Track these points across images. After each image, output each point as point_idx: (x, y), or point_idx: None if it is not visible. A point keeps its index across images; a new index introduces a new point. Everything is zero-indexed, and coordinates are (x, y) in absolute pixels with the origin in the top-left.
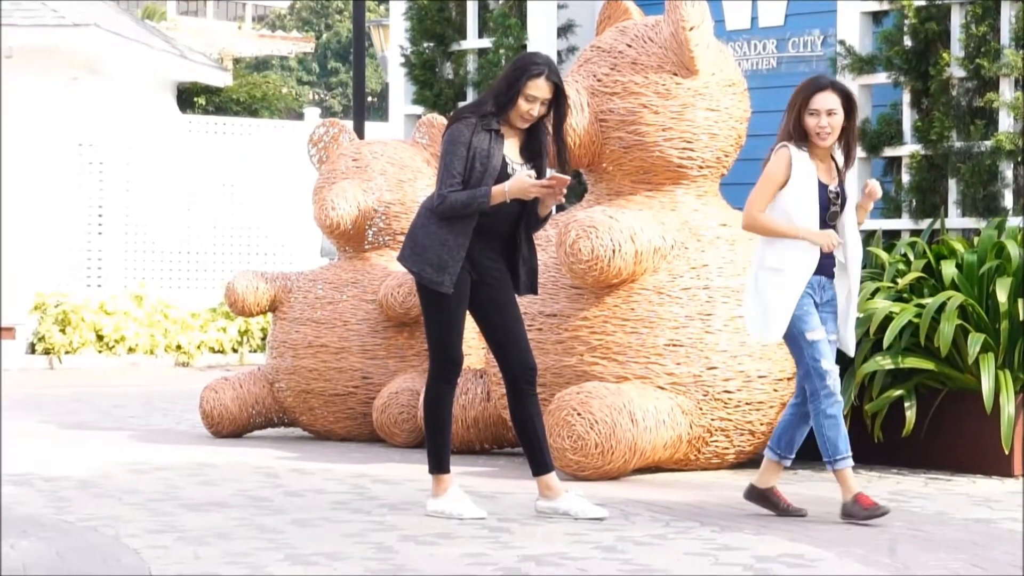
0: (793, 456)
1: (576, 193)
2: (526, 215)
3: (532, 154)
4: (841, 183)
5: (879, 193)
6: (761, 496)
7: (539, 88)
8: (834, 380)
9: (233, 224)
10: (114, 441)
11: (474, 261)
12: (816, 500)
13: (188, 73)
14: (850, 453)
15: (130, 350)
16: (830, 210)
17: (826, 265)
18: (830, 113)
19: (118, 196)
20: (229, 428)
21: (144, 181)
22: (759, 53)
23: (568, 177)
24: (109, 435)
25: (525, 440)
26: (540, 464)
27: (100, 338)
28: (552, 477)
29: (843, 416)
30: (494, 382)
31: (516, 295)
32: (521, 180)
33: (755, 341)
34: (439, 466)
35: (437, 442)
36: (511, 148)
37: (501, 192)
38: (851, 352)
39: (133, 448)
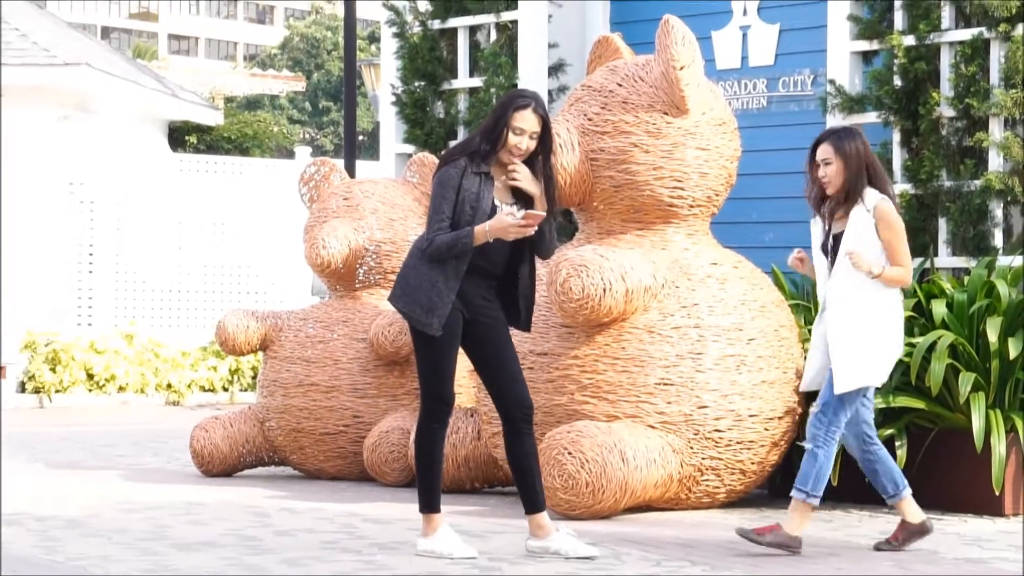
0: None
1: (567, 232)
2: (529, 246)
3: (522, 195)
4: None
5: (856, 264)
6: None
7: (526, 120)
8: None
9: (224, 263)
10: (104, 480)
11: (467, 300)
12: (807, 540)
13: (179, 112)
14: (899, 490)
15: (120, 389)
16: (829, 256)
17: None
18: (825, 163)
19: (108, 235)
20: (219, 467)
21: (135, 220)
22: (749, 92)
23: (541, 214)
24: (99, 474)
25: (519, 478)
26: (532, 503)
27: (90, 377)
28: (543, 516)
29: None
30: (484, 421)
31: (514, 328)
32: (501, 220)
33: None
34: (429, 505)
35: (427, 481)
36: (501, 190)
37: (483, 232)
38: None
39: (123, 487)
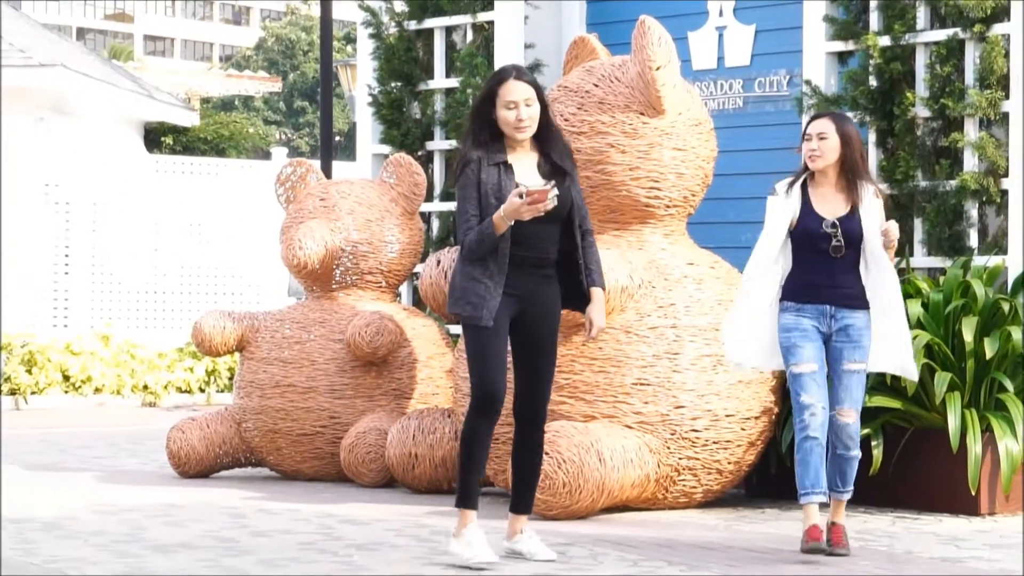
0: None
1: None
2: (566, 236)
3: (552, 170)
4: (852, 216)
5: (894, 234)
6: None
7: (512, 91)
8: (813, 415)
9: (200, 264)
10: (80, 482)
11: (514, 291)
12: (784, 539)
13: (155, 113)
14: (817, 491)
15: (96, 390)
16: (832, 243)
17: (838, 294)
18: (821, 137)
19: (84, 236)
20: (196, 468)
21: (111, 221)
22: (725, 93)
23: (545, 188)
24: (75, 476)
25: (516, 479)
26: (521, 504)
27: (66, 378)
28: (519, 520)
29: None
30: (462, 421)
31: (581, 305)
32: (510, 201)
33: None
34: (463, 501)
35: (465, 478)
36: (526, 172)
37: (500, 218)
38: (911, 375)
39: (99, 489)
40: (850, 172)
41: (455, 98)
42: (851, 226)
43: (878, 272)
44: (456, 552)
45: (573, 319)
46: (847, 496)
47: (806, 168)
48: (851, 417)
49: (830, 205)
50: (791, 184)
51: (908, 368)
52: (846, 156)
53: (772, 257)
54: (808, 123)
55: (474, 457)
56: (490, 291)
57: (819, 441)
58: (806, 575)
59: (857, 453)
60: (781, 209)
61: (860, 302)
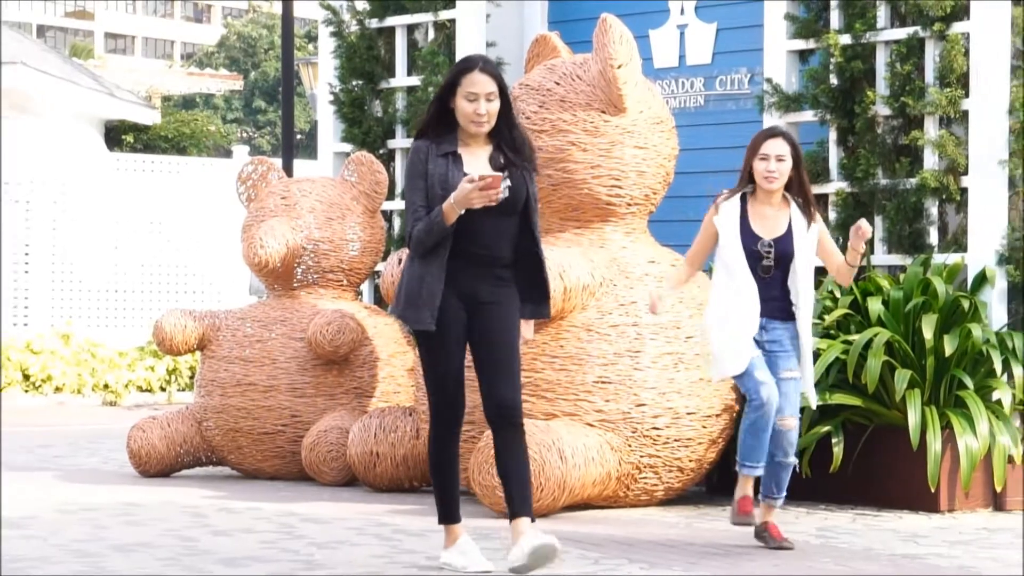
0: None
1: None
2: (523, 233)
3: (506, 163)
4: (788, 236)
5: (868, 232)
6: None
7: (476, 83)
8: (769, 389)
9: (161, 262)
10: (41, 481)
11: (468, 294)
12: (745, 536)
13: (116, 111)
14: (759, 464)
15: (57, 389)
16: (761, 263)
17: (769, 307)
18: (779, 159)
19: (45, 234)
20: (157, 467)
21: (71, 219)
22: (687, 91)
23: (498, 174)
24: (35, 475)
25: (507, 485)
26: (514, 508)
27: (26, 377)
28: (524, 522)
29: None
30: (423, 420)
31: (524, 319)
32: (461, 187)
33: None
34: (445, 516)
35: (441, 492)
36: (477, 164)
37: (450, 206)
38: (811, 402)
39: (59, 488)
40: (797, 194)
41: (416, 96)
42: (785, 247)
43: (796, 296)
44: (449, 562)
45: None
46: (780, 503)
47: (747, 181)
48: (792, 424)
49: (769, 223)
50: (730, 198)
51: (809, 395)
52: (795, 177)
53: (750, 289)
54: (761, 141)
55: (446, 473)
56: (430, 288)
57: (770, 420)
58: (766, 574)
59: (794, 460)
60: (729, 225)
61: (789, 314)
